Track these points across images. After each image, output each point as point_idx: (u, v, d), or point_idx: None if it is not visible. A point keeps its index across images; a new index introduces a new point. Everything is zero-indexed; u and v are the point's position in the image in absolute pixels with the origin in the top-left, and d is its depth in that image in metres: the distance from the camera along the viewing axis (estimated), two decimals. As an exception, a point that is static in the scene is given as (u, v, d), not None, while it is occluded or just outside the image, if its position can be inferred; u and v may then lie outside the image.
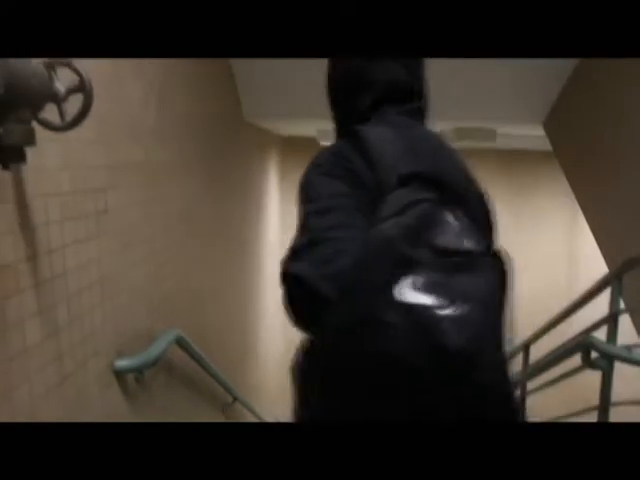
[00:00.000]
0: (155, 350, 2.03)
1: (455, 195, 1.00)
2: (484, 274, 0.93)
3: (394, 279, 0.84)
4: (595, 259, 3.74)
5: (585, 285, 2.67)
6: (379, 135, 1.06)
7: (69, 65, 1.19)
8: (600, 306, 2.46)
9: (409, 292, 0.83)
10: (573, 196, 3.64)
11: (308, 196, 1.03)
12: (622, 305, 2.36)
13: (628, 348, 2.17)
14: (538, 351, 3.05)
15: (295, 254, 0.94)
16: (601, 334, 2.31)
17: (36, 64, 1.11)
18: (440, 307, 0.83)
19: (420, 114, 1.22)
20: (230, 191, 4.14)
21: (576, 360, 2.26)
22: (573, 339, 2.53)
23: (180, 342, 2.44)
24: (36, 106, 1.12)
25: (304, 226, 0.98)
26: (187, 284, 2.79)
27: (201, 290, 3.14)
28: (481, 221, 1.05)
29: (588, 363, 2.14)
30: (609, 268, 2.88)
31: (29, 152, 1.13)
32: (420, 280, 0.85)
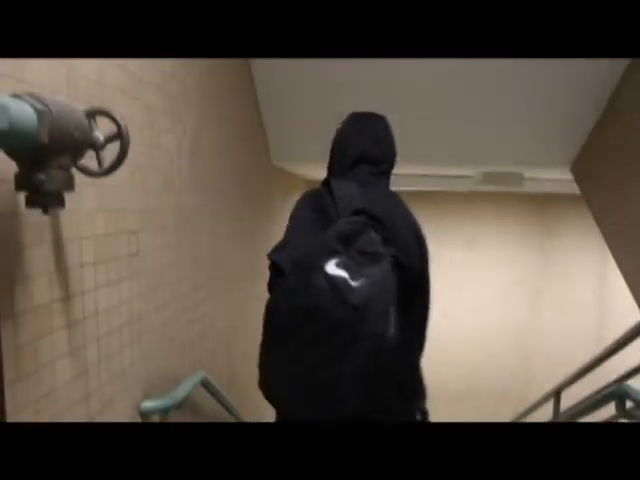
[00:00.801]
0: (181, 392, 2.03)
1: (383, 225, 1.49)
2: (382, 267, 1.37)
3: (325, 260, 1.33)
4: (626, 302, 3.66)
5: (616, 329, 2.61)
6: (343, 185, 1.64)
7: (108, 115, 1.25)
8: (634, 352, 2.39)
9: (333, 268, 1.32)
10: (603, 239, 3.60)
11: (290, 217, 1.64)
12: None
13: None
14: (569, 398, 2.96)
15: (274, 249, 1.52)
16: (636, 382, 2.24)
17: (78, 112, 1.17)
18: (350, 279, 1.30)
19: (383, 174, 1.77)
20: (257, 234, 4.19)
21: (610, 409, 2.19)
22: (606, 387, 2.45)
23: (205, 384, 2.44)
24: (76, 153, 1.17)
25: (284, 234, 1.59)
26: (213, 327, 2.81)
27: (227, 333, 3.15)
28: (400, 243, 1.53)
29: (623, 412, 2.07)
30: (642, 314, 2.81)
31: (67, 196, 1.18)
32: (341, 262, 1.33)
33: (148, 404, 1.85)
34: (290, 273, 1.38)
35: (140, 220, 1.83)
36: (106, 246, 1.60)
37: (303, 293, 1.31)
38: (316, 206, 1.60)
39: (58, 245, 1.35)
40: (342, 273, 1.30)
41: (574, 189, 4.21)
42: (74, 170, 1.20)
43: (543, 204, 7.97)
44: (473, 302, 8.20)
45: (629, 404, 2.07)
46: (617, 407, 2.08)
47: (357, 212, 1.49)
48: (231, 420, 3.09)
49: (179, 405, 1.99)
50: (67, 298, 1.39)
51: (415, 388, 1.77)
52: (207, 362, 2.64)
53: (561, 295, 8.05)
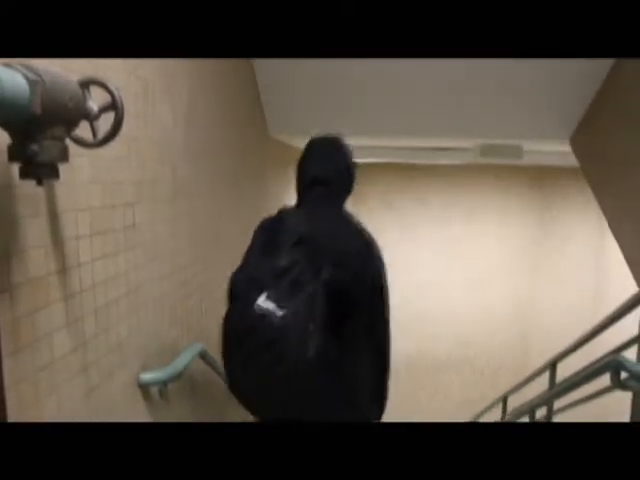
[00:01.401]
0: (179, 364, 2.05)
1: (323, 253, 1.72)
2: (308, 297, 1.62)
3: (258, 294, 1.64)
4: (623, 275, 3.68)
5: (612, 302, 2.62)
6: (292, 214, 1.91)
7: (102, 84, 1.23)
8: (629, 325, 2.41)
9: (263, 300, 1.63)
10: (601, 212, 3.60)
11: (251, 238, 1.92)
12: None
13: (659, 369, 2.11)
14: (565, 369, 2.99)
15: (236, 270, 1.84)
16: (631, 354, 2.26)
17: (71, 82, 1.14)
18: (276, 308, 1.61)
19: (336, 195, 1.94)
20: (255, 206, 4.18)
21: (604, 380, 2.22)
22: (602, 358, 2.48)
23: (203, 356, 2.45)
24: (70, 124, 1.15)
25: (244, 255, 1.89)
26: (211, 298, 2.82)
27: (225, 305, 3.16)
28: (343, 265, 1.73)
29: (617, 383, 2.09)
30: (638, 285, 2.82)
31: (61, 168, 1.17)
32: (271, 296, 1.63)
33: (146, 376, 1.87)
34: (236, 299, 1.74)
35: (136, 192, 1.81)
36: (102, 218, 1.59)
37: (242, 318, 1.66)
38: (269, 234, 1.87)
39: (54, 217, 1.35)
40: (269, 305, 1.62)
41: (573, 162, 4.19)
42: (68, 141, 1.19)
43: (542, 177, 7.95)
44: (471, 275, 8.23)
45: (624, 375, 2.09)
46: (612, 378, 2.10)
47: (299, 242, 1.74)
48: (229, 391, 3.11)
49: (177, 377, 2.00)
50: (63, 270, 1.39)
51: (371, 397, 1.99)
52: (205, 334, 2.66)
53: (559, 269, 8.08)
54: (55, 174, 1.11)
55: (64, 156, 1.12)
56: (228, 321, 1.72)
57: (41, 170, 1.06)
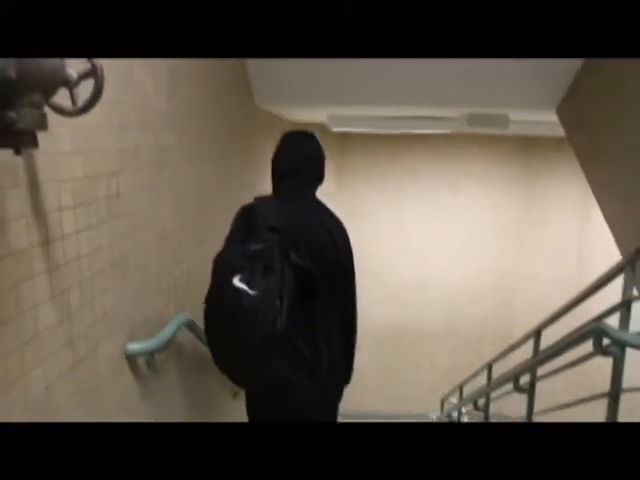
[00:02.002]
0: (166, 334, 2.05)
1: (292, 238, 1.99)
2: (276, 278, 1.84)
3: (232, 275, 1.83)
4: (607, 245, 3.72)
5: (596, 271, 2.65)
6: (265, 203, 2.16)
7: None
8: (612, 295, 2.44)
9: (237, 281, 1.81)
10: (586, 183, 3.61)
11: (230, 225, 2.14)
12: (635, 292, 2.34)
13: (640, 335, 2.14)
14: (549, 338, 3.04)
15: (217, 254, 2.00)
16: (613, 321, 2.29)
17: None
18: (248, 289, 1.80)
19: (307, 184, 2.23)
20: (241, 175, 4.14)
21: (587, 347, 2.25)
22: (585, 326, 2.51)
23: (190, 326, 2.45)
24: (48, 91, 1.11)
25: (224, 241, 2.09)
26: (198, 268, 2.80)
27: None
28: (312, 249, 2.06)
29: (599, 350, 2.12)
30: (622, 255, 2.86)
31: (41, 137, 1.14)
32: (243, 278, 1.82)
33: (133, 346, 1.86)
34: (215, 280, 1.95)
35: (119, 161, 1.78)
36: (85, 189, 1.56)
37: (220, 297, 1.89)
38: (245, 221, 2.08)
39: (34, 188, 1.32)
40: (242, 285, 1.81)
41: (559, 132, 4.18)
42: (48, 110, 1.16)
43: (527, 148, 7.94)
44: (457, 244, 8.28)
45: (606, 341, 2.13)
46: (594, 344, 2.14)
47: (271, 229, 1.95)
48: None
49: (164, 347, 2.00)
50: (47, 242, 1.37)
51: (341, 362, 2.31)
52: (192, 304, 2.65)
53: (544, 238, 8.15)
54: (34, 143, 1.08)
55: (43, 124, 1.09)
56: (208, 300, 1.96)
57: (19, 138, 1.03)
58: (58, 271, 1.42)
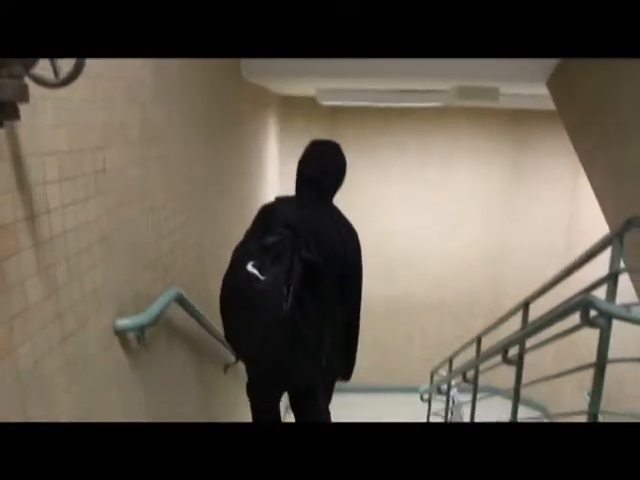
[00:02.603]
0: (155, 309, 2.04)
1: (304, 236, 2.23)
2: (284, 267, 2.09)
3: (247, 262, 2.11)
4: (596, 219, 3.74)
5: (585, 245, 2.66)
6: (284, 203, 2.49)
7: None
8: (600, 268, 2.46)
9: (250, 267, 2.09)
10: (575, 156, 3.61)
11: (252, 220, 2.49)
12: (622, 265, 2.36)
13: (627, 307, 2.17)
14: (537, 310, 3.06)
15: (237, 244, 2.31)
16: (601, 294, 2.31)
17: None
18: (259, 274, 2.08)
19: (326, 194, 2.48)
20: (229, 149, 4.10)
21: (575, 318, 2.27)
22: (572, 298, 2.54)
23: (180, 301, 2.45)
24: (27, 62, 1.09)
25: (245, 233, 2.46)
26: (187, 242, 2.79)
27: (201, 247, 3.14)
28: (322, 247, 2.28)
29: (587, 321, 2.15)
30: (610, 228, 2.87)
31: (23, 110, 1.11)
32: (256, 265, 2.10)
33: (123, 322, 1.86)
34: (232, 265, 2.22)
35: (105, 135, 1.75)
36: (71, 163, 1.53)
37: (234, 280, 2.17)
38: (264, 217, 2.45)
39: (18, 162, 1.29)
40: (254, 271, 2.08)
41: (549, 105, 4.17)
42: (29, 82, 1.13)
43: (516, 121, 7.91)
44: (446, 218, 8.30)
45: (593, 313, 2.15)
46: (582, 316, 2.16)
47: (286, 226, 2.24)
48: (209, 337, 3.14)
49: (154, 322, 2.00)
50: (32, 217, 1.35)
51: (344, 349, 2.64)
52: (181, 278, 2.65)
53: (532, 212, 8.17)
54: (15, 114, 1.06)
55: (24, 96, 1.06)
56: (224, 282, 2.23)
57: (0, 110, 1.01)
58: (44, 246, 1.40)
